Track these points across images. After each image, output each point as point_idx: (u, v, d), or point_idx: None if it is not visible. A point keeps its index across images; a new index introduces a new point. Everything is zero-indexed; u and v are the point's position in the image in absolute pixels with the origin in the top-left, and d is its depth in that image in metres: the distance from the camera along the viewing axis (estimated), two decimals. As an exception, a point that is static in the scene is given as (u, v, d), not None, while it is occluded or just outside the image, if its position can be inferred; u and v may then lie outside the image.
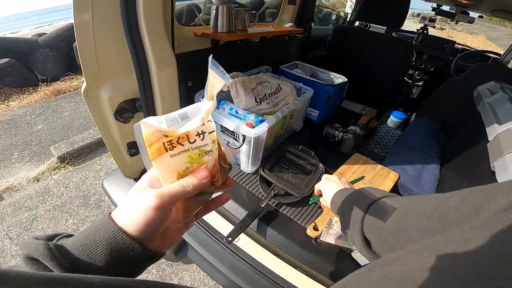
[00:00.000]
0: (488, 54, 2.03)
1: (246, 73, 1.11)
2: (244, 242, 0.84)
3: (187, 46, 1.09)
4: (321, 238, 0.74)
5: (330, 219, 0.78)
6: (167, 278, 1.41)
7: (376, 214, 0.42)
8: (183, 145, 0.26)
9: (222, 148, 0.33)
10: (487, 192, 0.27)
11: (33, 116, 2.64)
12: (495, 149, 0.74)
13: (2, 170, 2.02)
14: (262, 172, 0.89)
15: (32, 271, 0.21)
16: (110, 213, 0.27)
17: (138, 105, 0.92)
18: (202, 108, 0.28)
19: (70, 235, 0.27)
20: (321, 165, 0.96)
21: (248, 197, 0.89)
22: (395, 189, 0.96)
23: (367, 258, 0.45)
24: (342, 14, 3.48)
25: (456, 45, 2.18)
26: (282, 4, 1.62)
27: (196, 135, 0.27)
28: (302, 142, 1.11)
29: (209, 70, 0.26)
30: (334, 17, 3.52)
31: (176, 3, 1.02)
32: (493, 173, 0.70)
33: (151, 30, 0.76)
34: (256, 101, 0.91)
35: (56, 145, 2.19)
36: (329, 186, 0.66)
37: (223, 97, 0.99)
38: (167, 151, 0.26)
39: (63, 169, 2.08)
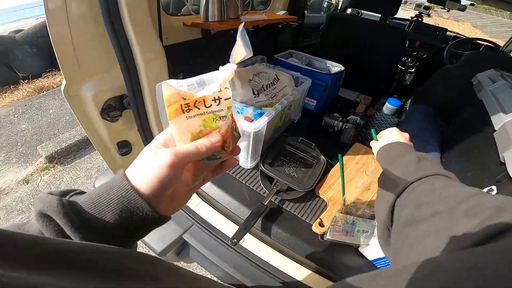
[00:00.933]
0: (480, 42, 2.04)
1: (241, 63, 1.06)
2: (248, 242, 0.82)
3: (176, 37, 1.03)
4: (327, 236, 0.72)
5: (334, 216, 0.76)
6: (167, 277, 1.39)
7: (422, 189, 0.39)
8: (199, 108, 0.28)
9: (234, 117, 0.34)
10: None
11: (16, 116, 2.51)
12: (504, 139, 0.72)
13: (-12, 173, 1.93)
14: (263, 168, 0.86)
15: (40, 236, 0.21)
16: (124, 170, 0.28)
17: (126, 102, 0.86)
18: (219, 76, 0.29)
19: (83, 192, 0.28)
20: (322, 157, 0.93)
21: (249, 194, 0.86)
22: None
23: (380, 225, 0.43)
24: (333, 1, 3.42)
25: (447, 32, 2.19)
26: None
27: (212, 100, 0.28)
28: (301, 133, 1.07)
29: (238, 38, 0.28)
30: (325, 4, 3.44)
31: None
32: (502, 163, 0.68)
33: (135, 20, 0.69)
34: (253, 93, 0.87)
35: (43, 144, 2.10)
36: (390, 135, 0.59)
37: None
38: (183, 112, 0.27)
39: (52, 169, 1.99)
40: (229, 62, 0.30)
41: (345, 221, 0.75)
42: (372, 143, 0.66)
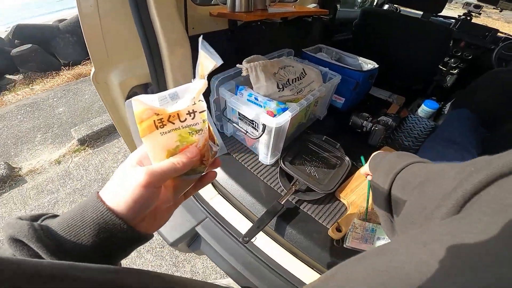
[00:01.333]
0: None
1: (267, 56, 1.02)
2: (260, 240, 0.79)
3: (203, 27, 1.02)
4: (346, 244, 0.68)
5: (353, 222, 0.71)
6: (180, 265, 1.41)
7: (409, 171, 0.44)
8: (173, 123, 0.27)
9: (211, 129, 0.33)
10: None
11: (55, 99, 2.69)
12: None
13: (26, 152, 2.08)
14: (283, 165, 0.82)
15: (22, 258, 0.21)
16: (98, 192, 0.27)
17: (150, 90, 0.88)
18: (192, 88, 0.28)
19: (55, 216, 0.27)
20: (347, 158, 0.88)
21: (266, 191, 0.83)
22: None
23: (381, 214, 0.46)
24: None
25: (498, 33, 1.98)
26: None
27: (187, 114, 0.27)
28: (326, 131, 1.02)
29: (200, 51, 0.27)
30: (360, -2, 3.28)
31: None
32: None
33: (161, 9, 0.70)
34: (278, 87, 0.83)
35: (77, 127, 2.22)
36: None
37: (242, 81, 0.91)
38: (157, 128, 0.26)
39: (83, 151, 2.11)
40: (196, 76, 0.28)
41: (364, 228, 0.70)
42: (361, 169, 0.70)
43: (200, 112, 0.28)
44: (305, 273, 0.75)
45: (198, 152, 0.29)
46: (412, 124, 1.21)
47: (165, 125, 0.26)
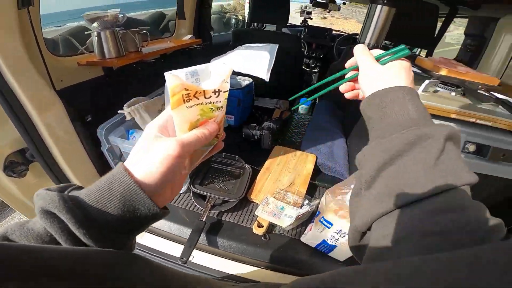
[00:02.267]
0: (356, 37, 2.45)
1: (151, 95, 1.06)
2: (200, 258, 0.83)
3: (73, 78, 0.98)
4: (256, 213, 0.82)
5: (266, 197, 0.86)
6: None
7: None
8: (198, 99, 0.29)
9: None
10: None
11: None
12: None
13: None
14: (194, 188, 0.88)
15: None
16: (123, 163, 0.27)
17: (29, 155, 0.80)
18: (213, 69, 0.31)
19: (80, 187, 0.27)
20: (247, 166, 1.01)
21: (187, 215, 0.88)
22: (316, 169, 1.09)
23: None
24: (240, 17, 3.63)
25: (333, 31, 2.55)
26: (176, 18, 1.61)
27: (212, 92, 0.30)
28: (225, 149, 1.13)
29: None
30: (233, 21, 3.63)
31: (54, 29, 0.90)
32: None
33: (13, 69, 0.67)
34: (167, 121, 0.89)
35: None
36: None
37: (131, 125, 0.92)
38: (184, 102, 0.28)
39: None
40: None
41: (276, 206, 0.85)
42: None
43: (224, 92, 0.31)
44: (249, 272, 0.82)
45: (218, 127, 0.32)
46: (295, 122, 1.47)
47: (191, 99, 0.29)
